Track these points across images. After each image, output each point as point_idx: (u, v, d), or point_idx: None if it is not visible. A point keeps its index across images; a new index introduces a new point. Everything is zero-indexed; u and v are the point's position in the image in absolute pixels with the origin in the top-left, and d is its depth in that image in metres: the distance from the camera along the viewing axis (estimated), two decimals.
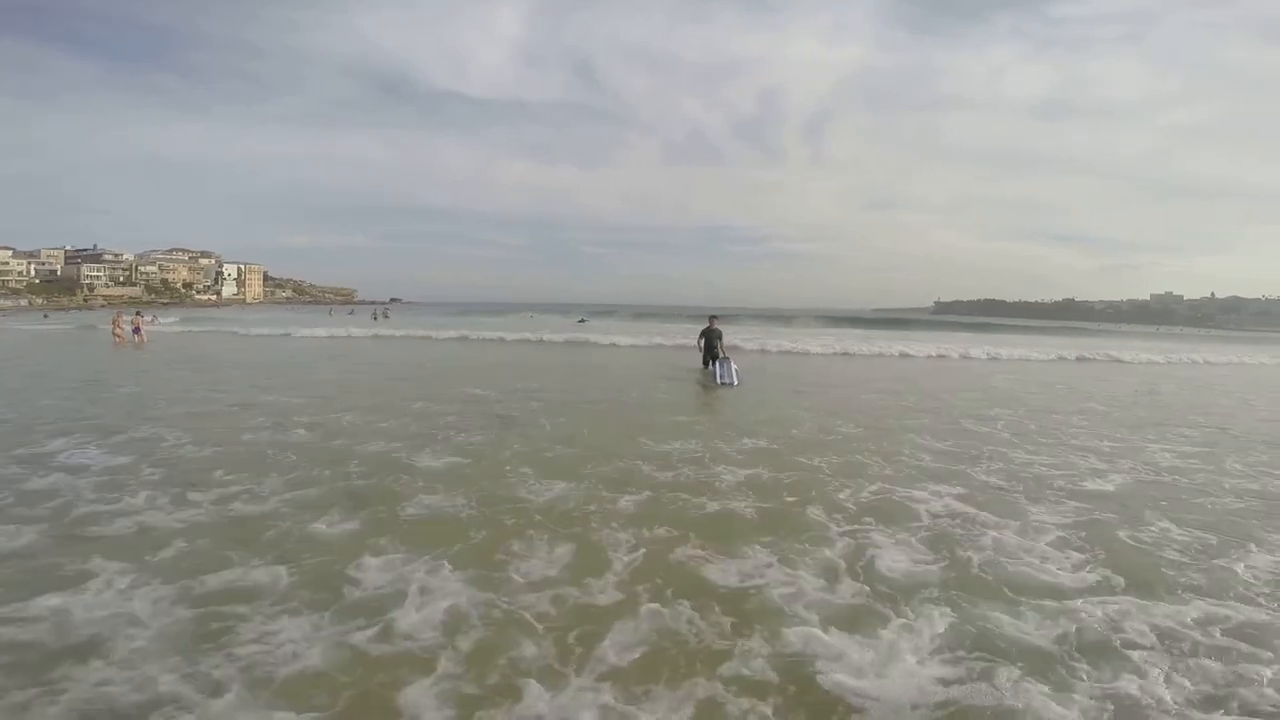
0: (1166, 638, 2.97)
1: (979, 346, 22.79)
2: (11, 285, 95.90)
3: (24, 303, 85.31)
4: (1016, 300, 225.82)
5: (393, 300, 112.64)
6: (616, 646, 2.77)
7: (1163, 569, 3.76)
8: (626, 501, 4.74)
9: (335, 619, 2.97)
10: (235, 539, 3.91)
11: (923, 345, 22.56)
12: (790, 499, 4.91)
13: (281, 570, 3.47)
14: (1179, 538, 4.28)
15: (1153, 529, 4.45)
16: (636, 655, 2.71)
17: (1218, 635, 3.01)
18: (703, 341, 13.90)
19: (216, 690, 2.43)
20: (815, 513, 4.57)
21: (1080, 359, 21.35)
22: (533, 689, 2.46)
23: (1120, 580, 3.57)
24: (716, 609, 3.12)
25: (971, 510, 4.73)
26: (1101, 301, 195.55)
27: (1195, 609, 3.24)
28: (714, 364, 13.07)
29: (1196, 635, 2.99)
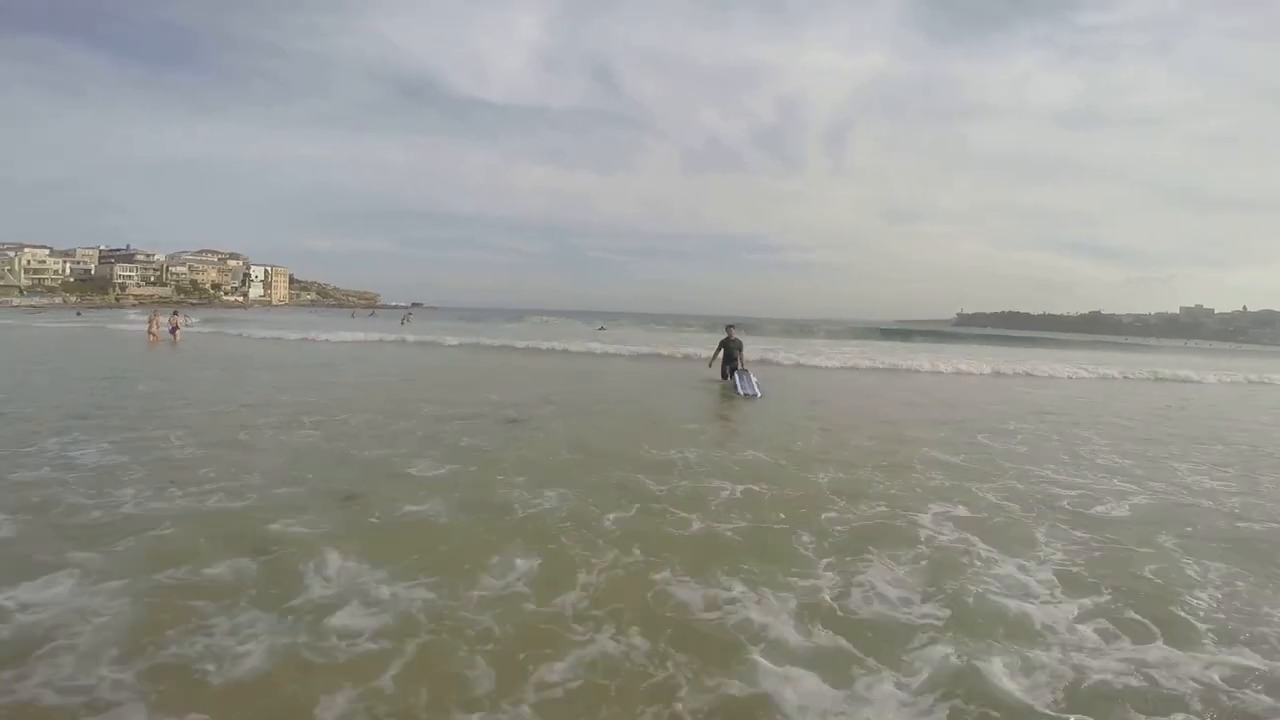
0: (1190, 696, 2.64)
1: (1006, 362, 21.56)
2: (48, 283, 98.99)
3: (59, 300, 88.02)
4: (1041, 313, 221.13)
5: (414, 305, 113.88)
6: (559, 673, 2.62)
7: (1186, 610, 3.42)
8: (612, 517, 4.57)
9: (275, 622, 2.91)
10: (203, 535, 3.90)
11: (949, 360, 21.24)
12: (782, 519, 4.69)
13: (242, 565, 3.48)
14: (1205, 574, 3.96)
15: (1177, 561, 4.14)
16: (578, 684, 2.56)
17: (1250, 693, 2.66)
18: (721, 353, 13.34)
19: (135, 692, 2.40)
20: (805, 537, 4.31)
21: (1125, 378, 19.76)
22: (457, 712, 2.37)
23: (1136, 623, 3.25)
24: (675, 640, 2.91)
25: (974, 538, 4.44)
26: (1129, 314, 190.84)
27: (1222, 659, 2.92)
28: (734, 375, 12.65)
29: (1223, 693, 2.66)
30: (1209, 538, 4.66)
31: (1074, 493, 5.73)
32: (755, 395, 11.59)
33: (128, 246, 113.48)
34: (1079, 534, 4.63)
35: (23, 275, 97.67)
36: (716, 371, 13.43)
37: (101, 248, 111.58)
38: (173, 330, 23.17)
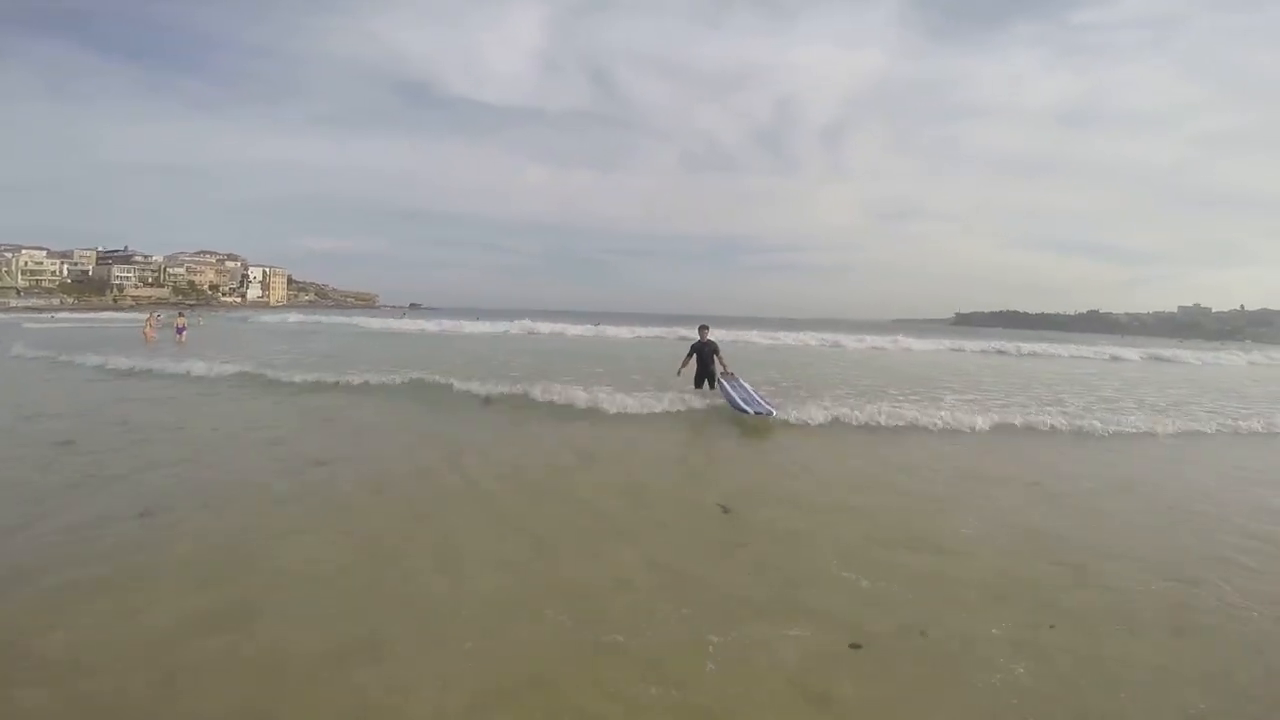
0: None
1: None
2: (45, 284, 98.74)
3: (55, 301, 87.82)
4: (1038, 312, 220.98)
5: (411, 306, 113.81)
6: None
7: None
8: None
9: None
10: None
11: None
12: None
13: None
14: None
15: None
16: None
17: None
18: (693, 358, 10.87)
19: None
20: None
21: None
22: None
23: None
24: None
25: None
26: (1126, 314, 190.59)
27: None
28: (721, 386, 10.36)
29: None
30: None
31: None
32: (770, 413, 9.00)
33: (125, 248, 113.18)
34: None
35: (20, 277, 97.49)
36: (687, 380, 10.97)
37: (99, 249, 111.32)
38: (179, 331, 22.62)
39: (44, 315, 54.43)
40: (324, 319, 46.02)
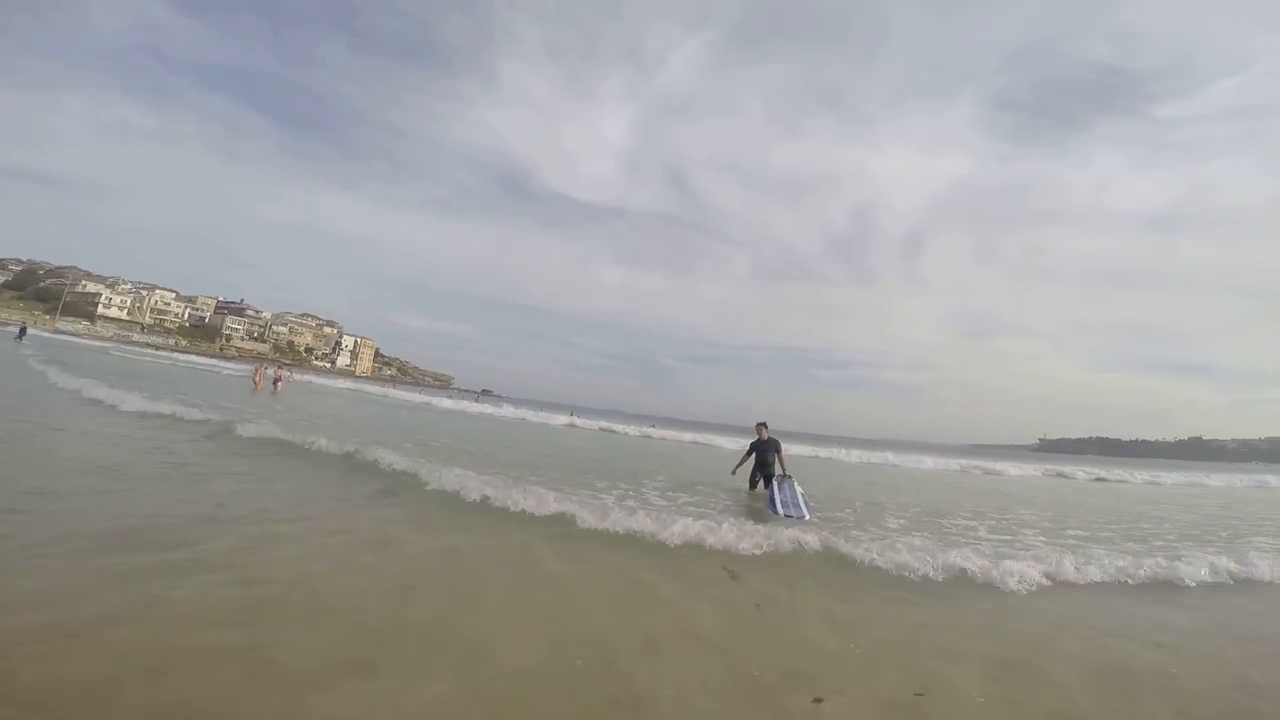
0: None
1: None
2: (167, 325, 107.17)
3: (171, 342, 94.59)
4: (1133, 439, 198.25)
5: (484, 391, 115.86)
6: None
7: None
8: None
9: None
10: None
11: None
12: None
13: None
14: None
15: None
16: None
17: None
18: (752, 457, 10.46)
19: None
20: None
21: None
22: None
23: None
24: None
25: None
26: (1234, 440, 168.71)
27: None
28: (769, 485, 9.62)
29: None
30: None
31: None
32: (803, 517, 8.35)
33: (241, 300, 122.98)
34: None
35: (149, 314, 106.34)
36: (743, 480, 10.57)
37: (219, 298, 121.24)
38: (275, 382, 25.72)
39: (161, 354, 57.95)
40: (394, 393, 45.97)
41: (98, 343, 64.11)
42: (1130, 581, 6.23)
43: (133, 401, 12.71)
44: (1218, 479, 26.68)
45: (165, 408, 12.30)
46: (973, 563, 5.95)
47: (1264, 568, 7.00)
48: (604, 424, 33.62)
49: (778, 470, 9.90)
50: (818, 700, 3.17)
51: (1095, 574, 6.22)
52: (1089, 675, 3.78)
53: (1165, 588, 6.22)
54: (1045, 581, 5.84)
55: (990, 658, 3.92)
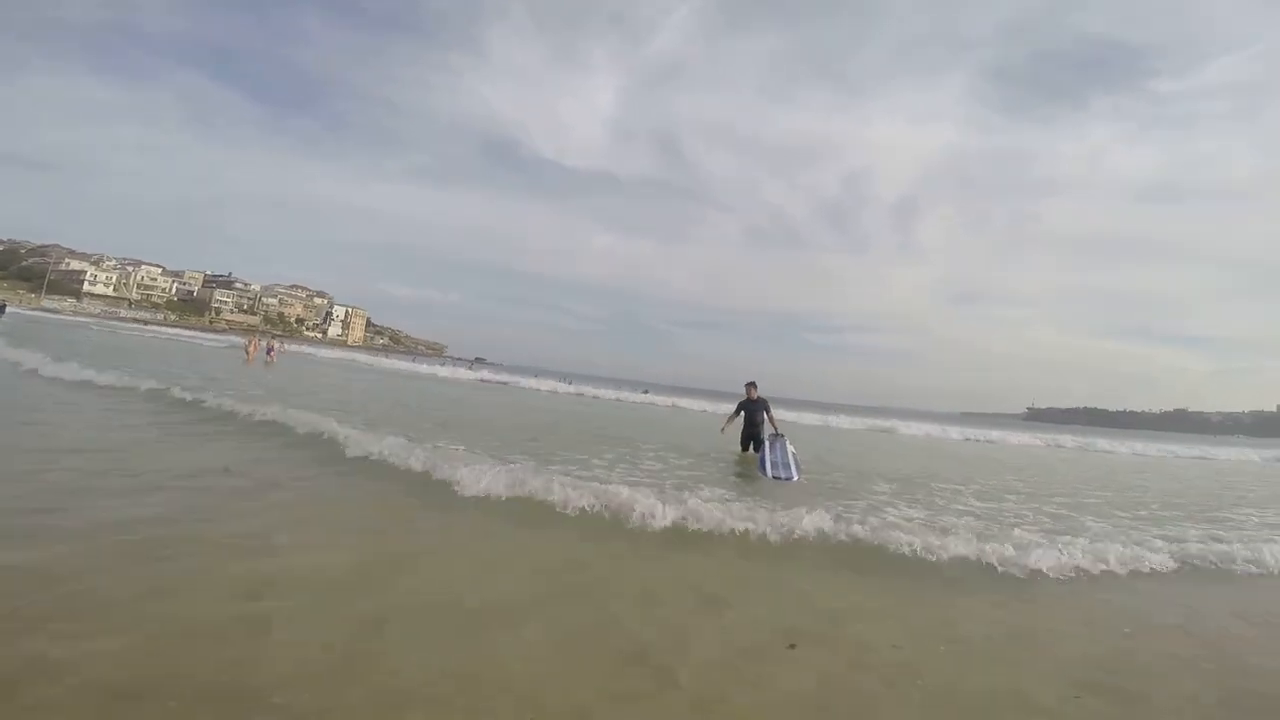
0: None
1: None
2: (154, 300, 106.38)
3: (160, 317, 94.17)
4: (1120, 409, 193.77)
5: (477, 359, 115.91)
6: None
7: None
8: None
9: None
10: None
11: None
12: None
13: None
14: None
15: None
16: None
17: None
18: (741, 415, 10.59)
19: None
20: None
21: None
22: None
23: None
24: None
25: None
26: (1218, 412, 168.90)
27: None
28: (759, 448, 9.70)
29: None
30: None
31: None
32: (791, 478, 8.29)
33: (230, 274, 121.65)
34: None
35: (135, 290, 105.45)
36: (732, 438, 10.71)
37: (206, 272, 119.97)
38: (269, 352, 26.10)
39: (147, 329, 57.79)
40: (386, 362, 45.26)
41: (83, 319, 63.78)
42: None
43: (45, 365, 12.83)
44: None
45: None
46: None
47: None
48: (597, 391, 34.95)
49: (768, 429, 10.10)
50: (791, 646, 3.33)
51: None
52: None
53: None
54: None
55: None
